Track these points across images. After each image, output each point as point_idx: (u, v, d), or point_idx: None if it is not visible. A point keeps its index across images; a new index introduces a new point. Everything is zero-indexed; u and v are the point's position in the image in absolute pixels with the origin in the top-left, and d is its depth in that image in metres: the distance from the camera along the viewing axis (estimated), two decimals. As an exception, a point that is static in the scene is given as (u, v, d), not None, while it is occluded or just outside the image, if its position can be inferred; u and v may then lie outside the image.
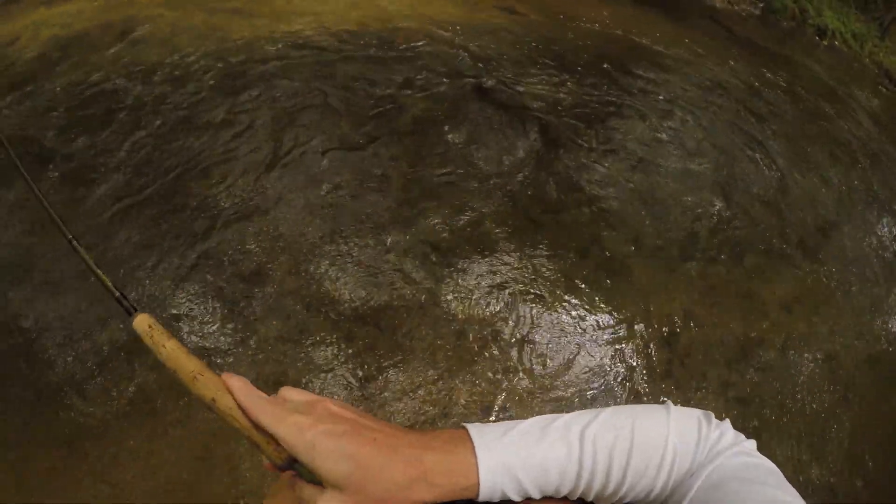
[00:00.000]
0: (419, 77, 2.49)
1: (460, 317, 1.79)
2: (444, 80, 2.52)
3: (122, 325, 1.71)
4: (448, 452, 0.53)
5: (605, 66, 2.93)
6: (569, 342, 1.79)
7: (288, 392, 0.58)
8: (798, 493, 0.53)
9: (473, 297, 1.83)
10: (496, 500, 0.54)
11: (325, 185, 2.05)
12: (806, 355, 2.03)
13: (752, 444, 0.59)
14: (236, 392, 0.55)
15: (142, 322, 0.57)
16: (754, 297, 2.10)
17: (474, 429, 0.56)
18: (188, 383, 0.55)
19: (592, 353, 1.82)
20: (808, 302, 2.16)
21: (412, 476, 0.51)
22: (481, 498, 0.53)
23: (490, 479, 0.53)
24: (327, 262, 1.85)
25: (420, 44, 2.65)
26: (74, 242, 0.62)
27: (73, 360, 1.65)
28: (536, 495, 0.55)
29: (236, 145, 2.11)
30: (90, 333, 1.69)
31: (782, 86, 3.55)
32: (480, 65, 2.68)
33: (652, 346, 1.82)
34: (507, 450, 0.54)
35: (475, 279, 1.88)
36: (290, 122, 2.21)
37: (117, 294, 0.59)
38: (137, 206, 1.93)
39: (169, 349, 0.55)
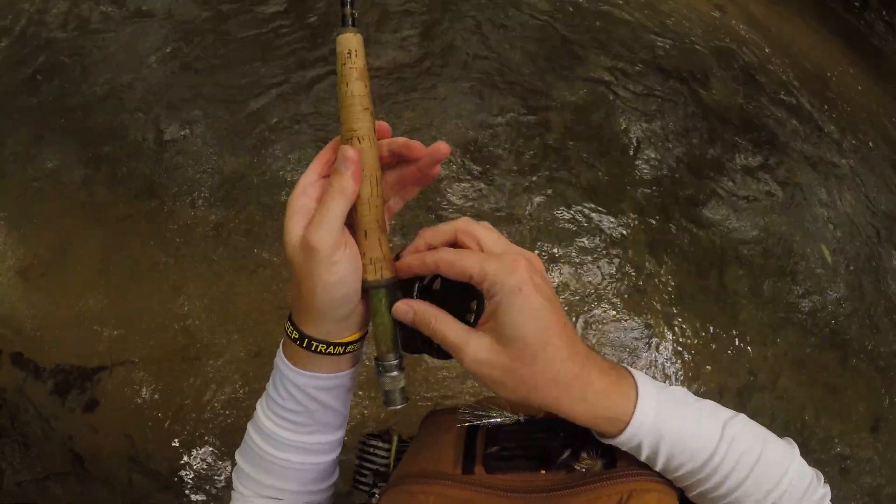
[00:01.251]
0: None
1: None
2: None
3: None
4: (613, 379, 0.49)
5: (790, 95, 2.64)
6: (642, 352, 1.73)
7: (492, 228, 0.51)
8: None
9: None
10: (624, 448, 0.51)
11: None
12: (860, 479, 1.90)
13: None
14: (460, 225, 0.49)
15: (349, 41, 0.48)
16: (839, 393, 1.96)
17: (637, 374, 0.51)
18: (345, 123, 0.49)
19: (663, 370, 1.74)
20: (891, 428, 2.00)
21: (579, 380, 0.47)
22: (616, 441, 0.49)
23: (639, 425, 0.49)
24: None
25: None
26: None
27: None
28: (659, 463, 0.51)
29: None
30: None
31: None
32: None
33: (723, 390, 1.73)
34: (663, 406, 0.49)
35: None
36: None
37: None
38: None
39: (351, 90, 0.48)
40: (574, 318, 1.73)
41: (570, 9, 2.38)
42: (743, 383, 1.72)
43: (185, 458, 1.55)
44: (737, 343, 1.74)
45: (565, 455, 0.54)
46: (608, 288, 1.77)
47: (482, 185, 1.90)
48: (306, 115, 1.95)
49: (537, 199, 1.89)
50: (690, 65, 2.42)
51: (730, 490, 0.52)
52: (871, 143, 2.79)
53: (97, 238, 1.74)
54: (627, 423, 0.48)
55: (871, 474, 1.90)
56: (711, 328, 1.74)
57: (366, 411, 1.57)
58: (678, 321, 1.74)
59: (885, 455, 1.93)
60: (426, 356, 0.54)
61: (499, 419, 0.60)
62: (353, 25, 0.49)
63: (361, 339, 0.56)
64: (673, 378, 1.68)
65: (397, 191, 0.56)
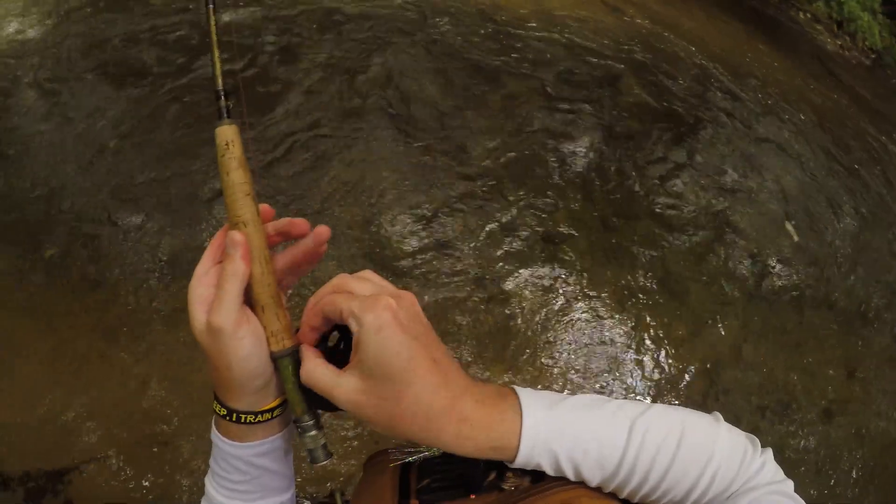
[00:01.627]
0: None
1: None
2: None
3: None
4: (492, 407, 0.49)
5: (704, 81, 2.78)
6: (605, 351, 1.74)
7: (371, 275, 0.53)
8: None
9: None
10: (528, 468, 0.51)
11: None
12: (842, 424, 1.94)
13: (790, 484, 0.55)
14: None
15: (226, 133, 0.51)
16: (805, 352, 2.01)
17: (524, 393, 0.52)
18: (230, 210, 0.52)
19: (629, 366, 1.76)
20: (867, 372, 2.05)
21: (450, 414, 0.48)
22: (515, 465, 0.50)
23: (529, 447, 0.49)
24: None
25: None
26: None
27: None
28: (570, 476, 0.51)
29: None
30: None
31: (881, 140, 3.35)
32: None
33: (693, 372, 1.76)
34: (553, 422, 0.50)
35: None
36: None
37: (220, 88, 0.52)
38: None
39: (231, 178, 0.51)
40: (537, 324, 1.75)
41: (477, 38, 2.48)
42: (709, 363, 1.75)
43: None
44: (691, 329, 1.78)
45: (491, 477, 0.55)
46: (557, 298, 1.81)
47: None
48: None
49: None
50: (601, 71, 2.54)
51: (656, 484, 0.53)
52: (801, 116, 2.96)
53: (42, 336, 1.70)
54: (516, 450, 0.48)
55: (855, 415, 1.94)
56: (665, 318, 1.78)
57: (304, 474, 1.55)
58: (631, 321, 1.78)
59: (866, 394, 1.99)
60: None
61: (426, 452, 0.60)
62: (229, 117, 0.52)
63: (284, 402, 0.57)
64: (641, 373, 1.70)
65: (291, 271, 0.59)
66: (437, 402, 0.47)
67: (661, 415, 0.54)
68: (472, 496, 0.55)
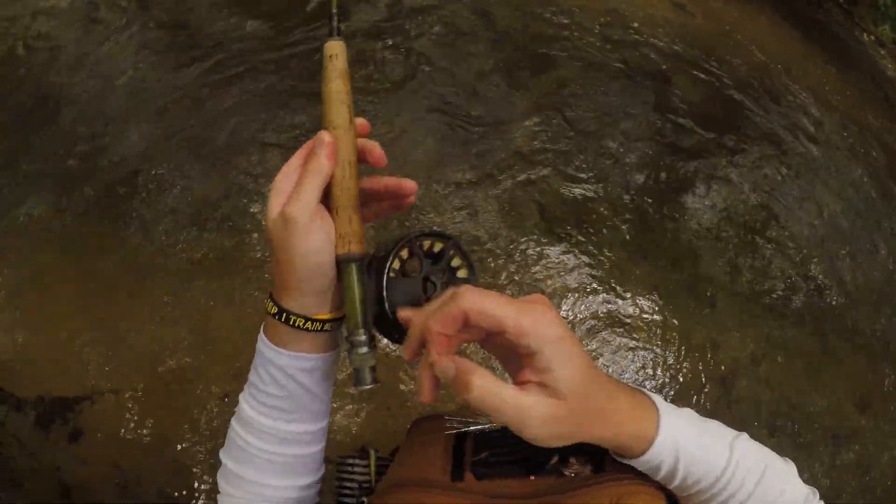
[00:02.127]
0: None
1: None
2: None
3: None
4: (639, 404, 0.50)
5: (753, 88, 2.71)
6: (627, 350, 1.74)
7: (495, 299, 0.47)
8: None
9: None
10: (641, 468, 0.51)
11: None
12: (849, 452, 1.95)
13: None
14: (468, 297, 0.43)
15: (333, 48, 0.53)
16: (823, 378, 2.00)
17: (653, 395, 0.52)
18: (325, 116, 0.53)
19: (646, 367, 1.76)
20: (879, 407, 2.05)
21: (613, 410, 0.48)
22: (636, 463, 0.50)
23: (660, 447, 0.49)
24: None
25: None
26: None
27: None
28: (676, 482, 0.52)
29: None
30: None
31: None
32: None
33: (707, 380, 1.76)
34: (680, 428, 0.51)
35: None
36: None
37: (334, 10, 0.55)
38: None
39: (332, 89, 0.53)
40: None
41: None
42: (726, 372, 1.75)
43: (175, 484, 1.53)
44: (716, 333, 1.78)
45: (554, 460, 0.55)
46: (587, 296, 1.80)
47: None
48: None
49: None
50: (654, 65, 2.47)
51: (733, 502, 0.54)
52: (845, 133, 2.87)
53: (72, 269, 1.73)
54: (651, 442, 0.49)
55: (864, 445, 1.95)
56: (687, 321, 1.78)
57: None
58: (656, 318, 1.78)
59: (877, 427, 1.99)
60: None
61: (485, 425, 0.60)
62: (339, 34, 0.54)
63: (339, 319, 0.56)
64: (659, 376, 1.71)
65: (373, 199, 0.59)
66: (609, 403, 0.47)
67: (751, 444, 0.55)
68: (532, 477, 0.55)
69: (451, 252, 0.55)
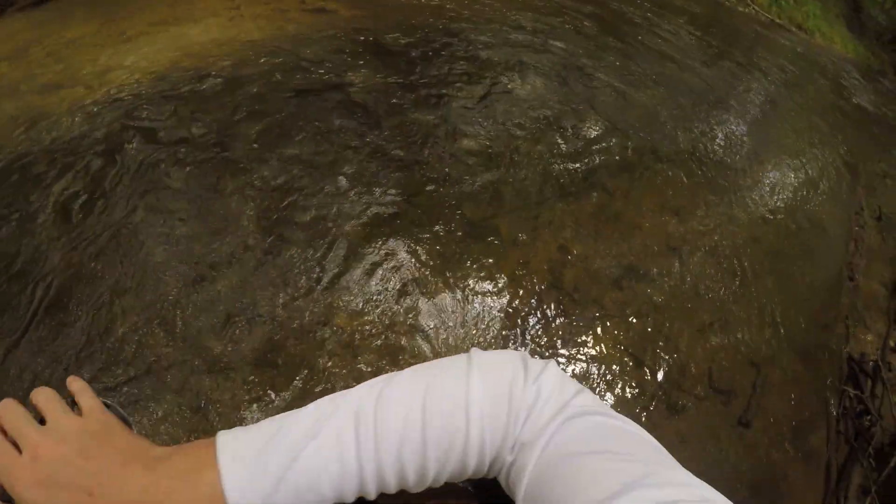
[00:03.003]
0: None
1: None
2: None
3: None
4: (183, 479, 0.47)
5: (431, 39, 2.95)
6: (456, 318, 1.71)
7: (40, 397, 0.57)
8: (652, 442, 0.47)
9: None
10: None
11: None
12: (691, 254, 2.08)
13: (584, 397, 0.52)
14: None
15: None
16: (621, 216, 2.13)
17: (227, 441, 0.46)
18: None
19: (484, 323, 1.75)
20: (673, 204, 2.23)
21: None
22: None
23: (239, 498, 0.47)
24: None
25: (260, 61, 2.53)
26: None
27: None
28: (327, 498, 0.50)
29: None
30: None
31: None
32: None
33: (540, 292, 1.78)
34: (265, 467, 0.46)
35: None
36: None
37: None
38: None
39: None
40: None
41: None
42: (547, 275, 1.79)
43: None
44: (517, 258, 1.81)
45: None
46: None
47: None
48: None
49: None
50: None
51: (422, 469, 0.47)
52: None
53: None
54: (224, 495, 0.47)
55: (690, 245, 2.08)
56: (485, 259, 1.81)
57: None
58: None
59: (684, 225, 2.14)
60: None
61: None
62: None
63: None
64: (497, 316, 1.70)
65: None
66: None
67: (401, 388, 0.51)
68: None
69: None
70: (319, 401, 0.53)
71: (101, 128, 1.85)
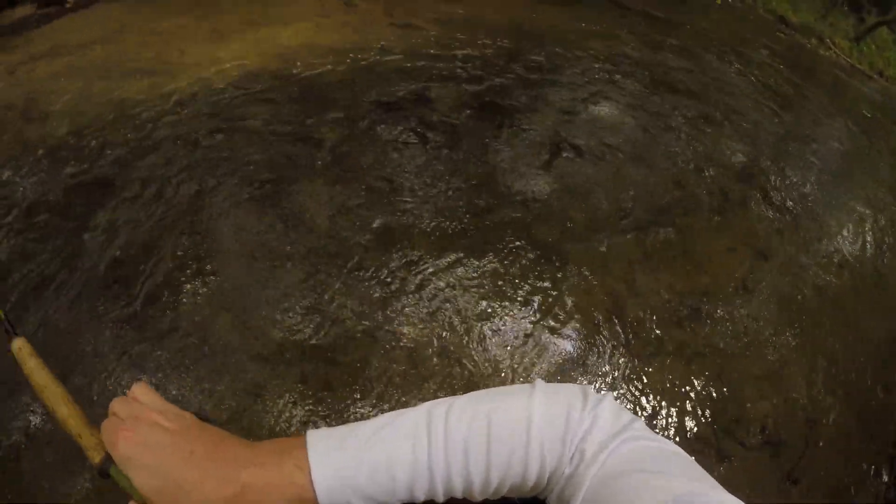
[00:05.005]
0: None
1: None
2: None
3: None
4: (272, 466, 0.51)
5: (508, 60, 2.99)
6: (518, 344, 1.77)
7: (137, 390, 0.58)
8: (699, 471, 0.48)
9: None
10: None
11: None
12: (756, 296, 2.06)
13: (637, 427, 0.54)
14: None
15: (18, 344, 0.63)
16: (689, 253, 2.13)
17: (315, 435, 0.53)
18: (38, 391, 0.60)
19: (546, 351, 1.80)
20: (744, 247, 2.21)
21: (226, 494, 0.50)
22: None
23: (328, 494, 0.50)
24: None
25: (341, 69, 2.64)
26: None
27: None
28: (393, 502, 0.52)
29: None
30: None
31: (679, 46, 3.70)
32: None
33: (601, 322, 1.82)
34: (346, 458, 0.51)
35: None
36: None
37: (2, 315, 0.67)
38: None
39: (31, 366, 0.61)
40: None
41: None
42: (609, 307, 1.83)
43: None
44: (582, 287, 1.86)
45: None
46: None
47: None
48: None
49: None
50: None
51: (485, 478, 0.51)
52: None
53: None
54: (315, 498, 0.49)
55: (758, 287, 2.06)
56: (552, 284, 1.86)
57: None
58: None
59: (753, 268, 2.12)
60: None
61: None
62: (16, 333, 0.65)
63: None
64: (557, 345, 1.75)
65: None
66: (209, 491, 0.49)
67: (465, 407, 0.54)
68: None
69: None
70: (389, 412, 0.58)
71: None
